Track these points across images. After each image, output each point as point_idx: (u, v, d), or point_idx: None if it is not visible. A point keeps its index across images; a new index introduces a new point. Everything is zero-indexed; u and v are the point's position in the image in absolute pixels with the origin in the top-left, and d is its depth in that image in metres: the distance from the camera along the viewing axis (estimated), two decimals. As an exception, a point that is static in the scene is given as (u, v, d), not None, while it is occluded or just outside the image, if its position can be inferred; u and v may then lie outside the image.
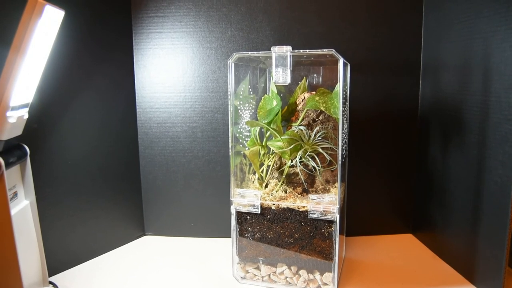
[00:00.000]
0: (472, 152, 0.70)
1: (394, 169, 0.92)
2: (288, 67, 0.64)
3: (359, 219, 0.92)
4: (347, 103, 0.75)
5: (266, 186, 0.75)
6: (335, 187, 0.77)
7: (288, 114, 0.78)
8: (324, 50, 0.62)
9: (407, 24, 0.87)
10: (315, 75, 0.81)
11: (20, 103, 0.55)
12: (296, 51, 0.64)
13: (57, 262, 0.75)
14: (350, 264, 0.79)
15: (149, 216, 0.94)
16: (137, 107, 0.90)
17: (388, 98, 0.89)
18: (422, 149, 0.89)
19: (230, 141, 0.70)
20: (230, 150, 0.70)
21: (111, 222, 0.86)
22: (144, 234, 0.95)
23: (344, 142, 0.72)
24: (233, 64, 0.68)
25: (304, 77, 0.78)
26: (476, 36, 0.68)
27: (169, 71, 0.88)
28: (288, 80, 0.64)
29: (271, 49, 0.64)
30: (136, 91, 0.90)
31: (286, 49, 0.63)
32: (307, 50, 0.63)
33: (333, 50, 0.61)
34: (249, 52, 0.67)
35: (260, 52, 0.66)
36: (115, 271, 0.77)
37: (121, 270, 0.78)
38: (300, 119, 0.74)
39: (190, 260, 0.82)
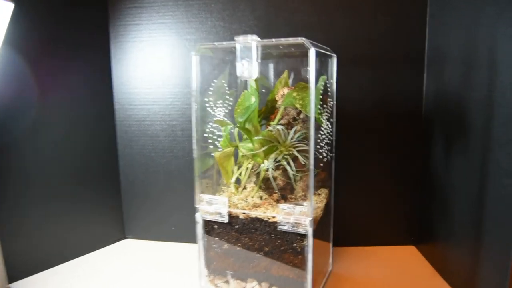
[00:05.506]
0: (476, 157, 0.60)
1: (396, 174, 0.82)
2: (255, 60, 0.56)
3: (357, 227, 0.83)
4: (331, 100, 0.67)
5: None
6: (319, 194, 0.69)
7: (268, 112, 0.71)
8: (290, 38, 0.54)
9: (410, 10, 0.77)
10: (302, 68, 0.73)
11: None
12: (265, 40, 0.56)
13: (23, 266, 0.71)
14: (336, 280, 0.71)
15: (129, 218, 0.89)
16: (115, 103, 0.85)
17: (389, 96, 0.79)
18: (427, 151, 0.78)
19: (194, 142, 0.63)
20: (194, 152, 0.63)
21: (88, 224, 0.82)
22: (124, 237, 0.90)
23: (325, 143, 0.64)
24: (198, 57, 0.61)
25: (286, 71, 0.70)
26: (482, 22, 0.58)
27: (147, 65, 0.83)
28: (255, 75, 0.57)
29: (235, 39, 0.56)
30: (114, 87, 0.85)
31: (251, 39, 0.56)
32: (274, 40, 0.55)
33: (303, 38, 0.53)
34: (216, 43, 0.60)
35: (224, 43, 0.58)
36: (89, 276, 0.73)
37: (94, 275, 0.73)
38: (277, 117, 0.66)
39: (166, 268, 0.76)
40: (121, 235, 0.90)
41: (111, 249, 0.86)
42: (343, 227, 0.78)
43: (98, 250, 0.85)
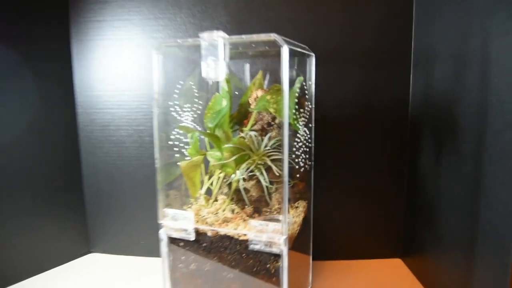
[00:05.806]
0: (468, 164, 0.55)
1: (380, 182, 0.77)
2: (222, 59, 0.50)
3: (339, 240, 0.78)
4: (309, 104, 0.61)
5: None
6: (296, 206, 0.63)
7: (240, 117, 0.65)
8: (262, 35, 0.48)
9: (395, 4, 0.71)
10: (279, 68, 0.67)
11: None
12: (233, 37, 0.50)
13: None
14: (317, 299, 0.65)
15: (94, 231, 0.82)
16: (77, 107, 0.78)
17: (373, 99, 0.74)
18: (414, 157, 0.73)
19: (156, 151, 0.56)
20: (156, 162, 0.57)
21: (50, 238, 0.75)
22: (90, 252, 0.83)
23: (302, 151, 0.58)
24: (161, 56, 0.55)
25: (260, 71, 0.64)
26: (473, 15, 0.53)
27: (111, 65, 0.76)
28: (222, 76, 0.51)
29: (199, 35, 0.50)
30: (77, 89, 0.78)
31: (218, 35, 0.50)
32: (243, 36, 0.49)
33: (275, 34, 0.47)
34: (179, 40, 0.53)
35: (189, 39, 0.52)
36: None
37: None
38: (250, 122, 0.61)
39: (134, 284, 0.70)
40: (86, 249, 0.83)
41: (75, 264, 0.79)
42: (323, 239, 0.73)
43: (62, 265, 0.78)
